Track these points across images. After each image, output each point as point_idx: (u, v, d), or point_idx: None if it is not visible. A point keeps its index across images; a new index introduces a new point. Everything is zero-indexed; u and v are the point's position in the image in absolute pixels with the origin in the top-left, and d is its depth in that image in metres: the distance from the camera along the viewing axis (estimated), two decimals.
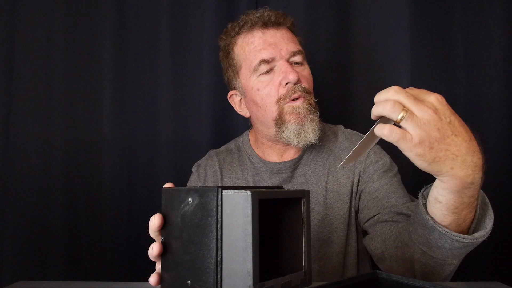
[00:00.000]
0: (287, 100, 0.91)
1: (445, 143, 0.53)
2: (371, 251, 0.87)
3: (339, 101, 1.32)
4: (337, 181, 0.96)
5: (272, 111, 0.93)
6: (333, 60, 1.32)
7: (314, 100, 0.94)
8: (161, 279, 0.56)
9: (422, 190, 0.66)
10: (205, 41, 1.32)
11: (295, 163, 0.99)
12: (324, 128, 1.04)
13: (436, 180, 0.59)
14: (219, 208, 0.49)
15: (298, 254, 0.58)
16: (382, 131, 0.53)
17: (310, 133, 0.91)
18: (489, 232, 0.63)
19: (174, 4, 1.34)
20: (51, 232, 1.31)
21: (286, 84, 0.91)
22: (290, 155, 1.00)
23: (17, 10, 1.34)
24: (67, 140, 1.33)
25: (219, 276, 0.49)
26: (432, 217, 0.63)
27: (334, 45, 1.32)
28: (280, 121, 0.92)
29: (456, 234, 0.62)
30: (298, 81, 0.91)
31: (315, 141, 0.92)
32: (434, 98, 0.53)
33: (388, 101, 0.53)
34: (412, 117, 0.52)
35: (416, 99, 0.53)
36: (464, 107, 1.29)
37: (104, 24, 1.34)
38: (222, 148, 1.11)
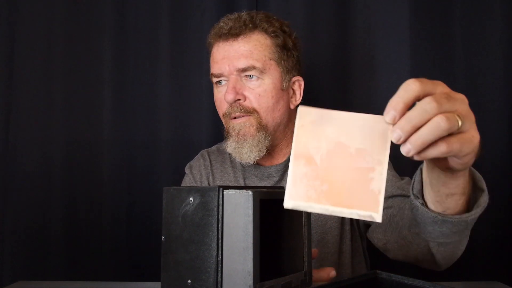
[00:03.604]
0: (228, 118, 0.93)
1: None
2: (375, 243, 0.86)
3: (339, 102, 1.32)
4: None
5: (223, 122, 0.96)
6: (332, 60, 1.32)
7: (261, 119, 0.92)
8: (161, 279, 0.56)
9: (413, 192, 0.62)
10: (205, 42, 1.32)
11: (285, 166, 0.98)
12: None
13: (445, 179, 0.54)
14: (220, 207, 0.49)
15: (299, 254, 0.58)
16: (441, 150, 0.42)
17: (245, 153, 0.91)
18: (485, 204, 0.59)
19: (174, 4, 1.34)
20: (51, 232, 1.31)
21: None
22: (279, 159, 1.00)
23: (17, 10, 1.34)
24: (67, 140, 1.33)
25: (219, 275, 0.49)
26: (439, 212, 0.60)
27: (334, 45, 1.32)
28: (227, 134, 0.94)
29: (467, 214, 0.58)
30: (238, 100, 0.91)
31: (251, 162, 0.92)
32: (460, 95, 0.44)
33: (440, 118, 0.40)
34: (466, 118, 0.43)
35: (449, 96, 0.42)
36: None
37: (104, 24, 1.34)
38: (214, 148, 1.11)
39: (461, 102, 0.43)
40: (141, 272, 1.30)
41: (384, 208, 0.81)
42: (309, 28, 1.32)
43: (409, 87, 0.41)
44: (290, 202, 0.41)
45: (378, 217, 0.41)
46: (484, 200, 0.59)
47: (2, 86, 1.33)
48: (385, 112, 0.41)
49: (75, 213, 1.32)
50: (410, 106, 0.41)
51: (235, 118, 0.92)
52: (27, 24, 1.34)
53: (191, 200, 0.51)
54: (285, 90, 0.95)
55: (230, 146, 0.93)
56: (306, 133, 0.42)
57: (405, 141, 0.41)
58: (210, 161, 1.06)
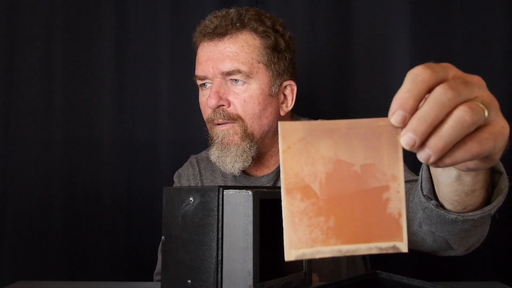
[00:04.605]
0: (212, 123, 0.87)
1: None
2: None
3: (339, 102, 1.32)
4: None
5: (208, 127, 0.90)
6: (333, 59, 1.32)
7: (246, 127, 0.86)
8: (161, 279, 0.56)
9: (423, 194, 0.56)
10: None
11: (277, 173, 0.93)
12: None
13: (462, 177, 0.47)
14: (220, 207, 0.49)
15: None
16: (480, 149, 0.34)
17: (229, 163, 0.86)
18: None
19: (174, 4, 1.34)
20: (51, 232, 1.31)
21: None
22: (270, 166, 0.94)
23: (17, 10, 1.34)
24: (67, 140, 1.33)
25: (219, 275, 0.49)
26: (458, 213, 0.54)
27: (334, 45, 1.32)
28: (211, 141, 0.89)
29: (490, 206, 0.53)
30: (222, 106, 0.85)
31: (235, 172, 0.87)
32: (477, 78, 0.36)
33: (463, 110, 0.32)
34: (491, 105, 0.34)
35: (465, 81, 0.34)
36: None
37: (104, 24, 1.34)
38: (203, 154, 1.04)
39: (479, 86, 0.34)
40: (141, 272, 1.30)
41: None
42: (309, 27, 1.31)
43: (419, 77, 0.33)
44: (292, 252, 0.33)
45: (403, 247, 0.34)
46: (504, 184, 0.52)
47: (2, 86, 1.33)
48: (391, 112, 0.33)
49: (75, 213, 1.32)
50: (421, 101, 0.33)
51: (218, 124, 0.86)
52: (27, 24, 1.34)
53: (191, 200, 0.51)
54: (274, 95, 0.88)
55: (213, 154, 0.87)
56: (295, 157, 0.33)
57: (421, 145, 0.33)
58: (199, 170, 1.01)
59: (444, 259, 1.24)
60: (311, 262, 0.60)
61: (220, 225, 0.49)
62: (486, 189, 0.52)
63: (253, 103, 0.86)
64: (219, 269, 0.49)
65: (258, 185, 0.94)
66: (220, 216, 0.49)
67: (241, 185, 0.95)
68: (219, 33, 0.85)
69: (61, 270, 1.30)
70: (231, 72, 0.84)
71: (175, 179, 1.04)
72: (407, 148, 0.33)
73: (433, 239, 0.65)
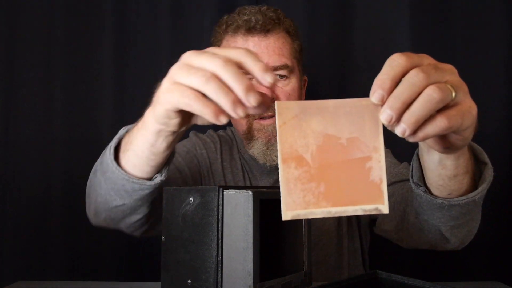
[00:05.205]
0: (256, 117, 0.87)
1: None
2: (386, 236, 0.84)
3: None
4: None
5: (241, 124, 0.90)
6: (332, 60, 1.32)
7: None
8: (161, 279, 0.56)
9: (413, 181, 0.59)
10: (205, 41, 1.32)
11: None
12: None
13: (445, 161, 0.52)
14: (220, 207, 0.49)
15: (299, 254, 0.59)
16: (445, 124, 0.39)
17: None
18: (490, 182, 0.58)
19: (175, 3, 1.34)
20: (51, 232, 1.30)
21: None
22: None
23: (17, 10, 1.34)
24: (67, 140, 1.33)
25: (219, 275, 0.49)
26: (444, 197, 0.58)
27: (334, 45, 1.32)
28: (249, 135, 0.89)
29: (474, 193, 0.57)
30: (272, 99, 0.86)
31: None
32: (449, 65, 0.42)
33: (432, 89, 0.37)
34: (459, 88, 0.40)
35: (437, 67, 0.40)
36: None
37: (104, 24, 1.34)
38: (220, 131, 1.05)
39: (450, 72, 0.40)
40: (141, 272, 1.30)
41: None
42: (309, 27, 1.31)
43: (395, 62, 0.38)
44: (288, 213, 0.38)
45: (384, 208, 0.39)
46: (489, 173, 0.57)
47: (2, 86, 1.33)
48: (372, 92, 0.38)
49: (75, 213, 1.32)
50: (398, 82, 0.38)
51: (262, 118, 0.87)
52: (27, 24, 1.34)
53: (191, 200, 0.51)
54: (301, 90, 0.95)
55: (257, 148, 0.88)
56: (290, 131, 0.38)
57: (398, 121, 0.38)
58: (220, 141, 1.00)
59: (443, 259, 1.24)
60: (311, 262, 0.60)
61: (220, 225, 0.49)
62: (470, 177, 0.56)
63: (294, 96, 0.90)
64: (219, 269, 0.49)
65: (266, 171, 0.96)
66: (220, 216, 0.49)
67: (252, 168, 0.97)
68: (264, 29, 0.86)
69: (61, 270, 1.30)
70: (279, 67, 0.87)
71: (191, 134, 1.02)
72: (385, 123, 0.38)
73: (428, 228, 0.68)
